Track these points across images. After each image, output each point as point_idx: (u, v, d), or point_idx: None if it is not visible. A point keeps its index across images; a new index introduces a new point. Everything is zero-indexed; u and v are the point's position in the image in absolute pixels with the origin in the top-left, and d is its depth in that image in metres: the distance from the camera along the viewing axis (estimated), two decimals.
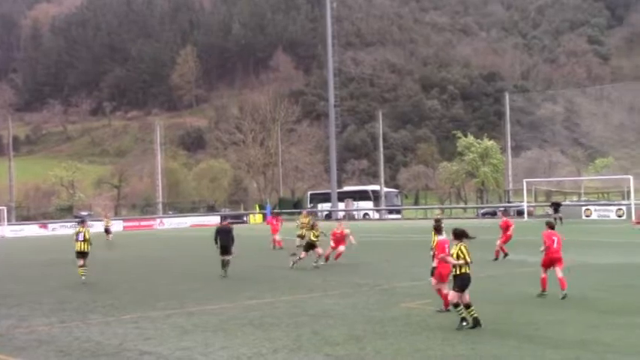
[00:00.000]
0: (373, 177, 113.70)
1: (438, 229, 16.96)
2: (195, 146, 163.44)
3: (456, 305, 14.10)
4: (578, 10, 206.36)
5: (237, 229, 36.37)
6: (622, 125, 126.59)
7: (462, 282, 14.08)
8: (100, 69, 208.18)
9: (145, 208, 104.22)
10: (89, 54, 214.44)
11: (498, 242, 28.09)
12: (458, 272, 14.14)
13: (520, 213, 68.46)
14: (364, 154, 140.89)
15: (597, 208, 66.52)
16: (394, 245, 40.09)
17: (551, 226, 18.67)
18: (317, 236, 27.00)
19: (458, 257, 14.14)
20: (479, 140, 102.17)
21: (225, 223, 26.16)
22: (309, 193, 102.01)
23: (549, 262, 18.11)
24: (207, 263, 29.01)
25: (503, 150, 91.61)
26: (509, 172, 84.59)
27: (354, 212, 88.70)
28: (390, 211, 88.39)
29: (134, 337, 14.26)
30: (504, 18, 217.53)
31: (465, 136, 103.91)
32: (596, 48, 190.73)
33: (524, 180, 70.83)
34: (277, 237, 38.43)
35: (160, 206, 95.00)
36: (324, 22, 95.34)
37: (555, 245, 18.06)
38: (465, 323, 13.97)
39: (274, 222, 40.24)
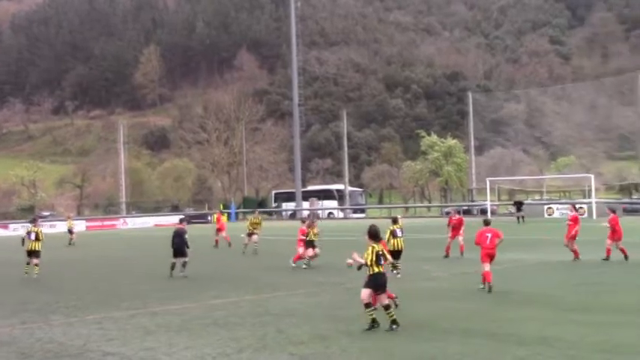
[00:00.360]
0: (337, 176, 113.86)
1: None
2: (159, 145, 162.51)
3: (367, 306, 13.81)
4: (540, 10, 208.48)
5: (200, 229, 36.24)
6: (583, 124, 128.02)
7: (375, 282, 13.82)
8: (62, 67, 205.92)
9: (108, 207, 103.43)
10: (51, 52, 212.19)
11: (449, 240, 29.08)
12: (371, 272, 13.87)
13: (483, 212, 68.95)
14: (328, 153, 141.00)
15: (559, 206, 67.21)
16: (359, 244, 40.08)
17: (486, 223, 19.59)
18: (316, 234, 26.65)
19: (378, 257, 13.84)
20: (442, 139, 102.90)
21: (179, 225, 25.84)
22: (273, 192, 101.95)
23: (487, 257, 18.73)
24: (169, 264, 28.81)
25: (467, 149, 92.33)
26: (473, 171, 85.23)
27: (319, 211, 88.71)
28: (355, 210, 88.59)
29: (97, 337, 14.12)
30: (467, 18, 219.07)
31: (429, 135, 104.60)
32: (557, 48, 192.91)
33: (487, 179, 71.34)
34: (224, 234, 38.95)
35: (124, 206, 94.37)
36: (288, 22, 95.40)
37: (488, 242, 18.76)
38: (375, 325, 13.70)
39: (222, 219, 41.28)
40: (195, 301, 18.64)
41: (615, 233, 25.71)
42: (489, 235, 18.90)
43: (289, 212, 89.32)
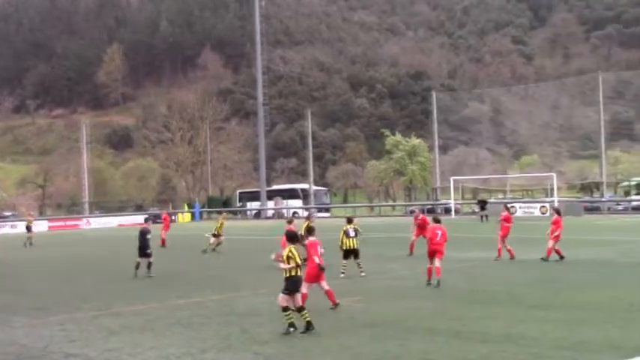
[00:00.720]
0: (302, 175, 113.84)
1: (309, 231, 16.82)
2: (123, 145, 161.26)
3: (285, 309, 13.64)
4: (503, 10, 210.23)
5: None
6: (545, 124, 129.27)
7: (292, 285, 13.73)
8: (22, 66, 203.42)
9: (71, 207, 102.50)
10: (11, 50, 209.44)
11: (414, 239, 29.22)
12: (288, 274, 13.75)
13: (447, 210, 69.33)
14: (293, 153, 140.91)
15: (522, 205, 67.83)
16: (323, 243, 40.15)
17: (436, 220, 20.40)
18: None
19: (289, 259, 13.70)
20: (407, 139, 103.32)
21: (143, 224, 25.78)
22: (237, 191, 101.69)
23: (432, 253, 19.59)
24: (134, 263, 28.63)
25: (431, 148, 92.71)
26: (437, 170, 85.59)
27: (283, 210, 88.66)
28: (319, 210, 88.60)
29: (60, 339, 13.97)
30: (431, 18, 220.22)
31: (393, 134, 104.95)
32: (520, 48, 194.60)
33: (452, 178, 71.74)
34: (164, 235, 38.97)
35: (87, 206, 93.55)
36: (252, 21, 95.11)
37: (439, 238, 19.56)
38: (292, 329, 13.54)
39: (168, 220, 41.63)
40: (160, 302, 18.52)
41: (555, 233, 25.62)
42: (439, 232, 19.70)
43: (254, 212, 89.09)
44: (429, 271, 19.77)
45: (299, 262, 13.79)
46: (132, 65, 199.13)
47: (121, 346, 13.00)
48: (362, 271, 22.18)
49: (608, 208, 69.54)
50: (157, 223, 79.69)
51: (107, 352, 12.64)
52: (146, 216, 30.27)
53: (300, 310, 13.71)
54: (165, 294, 19.92)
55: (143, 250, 24.63)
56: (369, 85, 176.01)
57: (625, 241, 33.99)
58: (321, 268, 16.16)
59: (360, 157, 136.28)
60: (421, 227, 28.85)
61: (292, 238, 14.24)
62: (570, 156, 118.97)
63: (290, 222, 24.05)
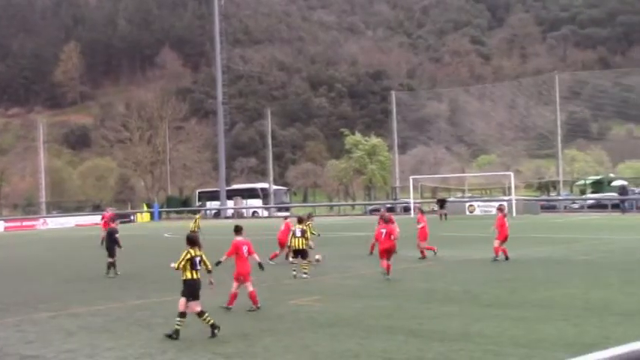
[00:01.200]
0: (262, 175, 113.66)
1: (237, 231, 16.93)
2: (80, 144, 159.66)
3: (182, 315, 13.31)
4: (461, 11, 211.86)
5: (123, 229, 35.80)
6: (503, 123, 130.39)
7: (189, 288, 13.41)
8: None
9: (28, 207, 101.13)
10: None
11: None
12: (184, 277, 13.43)
13: (407, 209, 69.65)
14: (253, 152, 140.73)
15: (480, 204, 68.39)
16: (269, 244, 40.17)
17: (384, 219, 21.33)
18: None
19: (193, 263, 13.35)
20: (366, 138, 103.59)
21: (111, 225, 25.88)
22: (197, 191, 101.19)
23: (384, 253, 20.64)
24: (92, 263, 28.41)
25: (390, 147, 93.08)
26: (396, 169, 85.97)
27: (243, 210, 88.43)
28: (279, 209, 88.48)
29: (16, 340, 13.81)
30: (390, 17, 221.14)
31: (353, 134, 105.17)
32: (478, 48, 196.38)
33: (411, 177, 72.06)
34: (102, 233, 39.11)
35: (44, 206, 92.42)
36: (211, 20, 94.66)
37: (383, 237, 20.72)
38: (175, 336, 13.13)
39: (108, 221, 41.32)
40: (118, 302, 18.40)
41: (500, 234, 25.63)
42: (384, 231, 20.73)
43: (213, 211, 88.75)
44: (387, 267, 20.77)
45: (209, 267, 13.84)
46: (90, 64, 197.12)
47: (78, 347, 12.89)
48: (305, 273, 21.99)
49: (565, 207, 70.38)
50: (124, 222, 79.28)
51: (64, 353, 12.52)
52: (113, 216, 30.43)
53: (200, 315, 13.37)
54: (123, 295, 19.78)
55: (108, 250, 24.80)
56: (329, 85, 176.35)
57: (581, 239, 34.45)
58: (260, 267, 16.49)
59: (320, 156, 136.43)
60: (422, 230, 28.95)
61: (191, 241, 13.76)
62: (527, 155, 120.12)
63: (301, 221, 23.36)
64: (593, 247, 29.52)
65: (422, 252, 26.96)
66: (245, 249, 16.31)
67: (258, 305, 16.38)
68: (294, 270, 22.14)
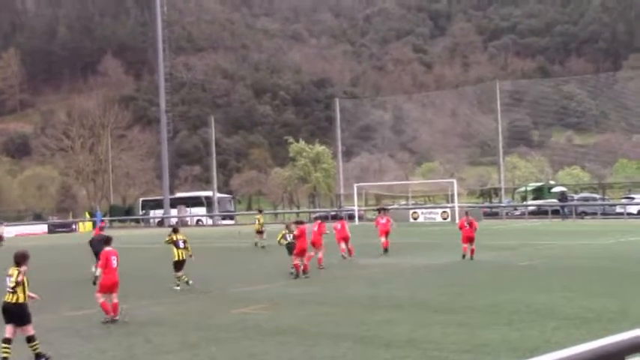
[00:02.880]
0: (206, 183, 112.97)
1: (106, 242, 16.96)
2: (21, 153, 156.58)
3: (7, 341, 12.35)
4: (404, 19, 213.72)
5: (65, 238, 35.20)
6: (446, 131, 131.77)
7: (2, 312, 12.56)
8: None
9: None
10: None
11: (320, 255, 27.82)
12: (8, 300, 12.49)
13: (352, 217, 69.85)
14: (197, 160, 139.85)
15: (424, 211, 68.94)
16: (227, 251, 40.00)
17: (299, 223, 23.92)
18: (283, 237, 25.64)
19: (17, 285, 12.44)
20: (310, 146, 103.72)
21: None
22: (140, 199, 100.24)
23: (300, 253, 23.26)
24: (30, 274, 27.85)
25: (334, 155, 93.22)
26: (341, 177, 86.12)
27: (187, 218, 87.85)
28: (224, 217, 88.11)
29: None
30: (334, 25, 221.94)
31: (297, 141, 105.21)
32: (420, 56, 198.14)
33: (355, 184, 72.23)
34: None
35: None
36: (154, 27, 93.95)
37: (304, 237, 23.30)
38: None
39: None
40: (55, 313, 18.01)
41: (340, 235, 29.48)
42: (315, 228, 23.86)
43: (157, 220, 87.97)
44: (297, 267, 23.40)
45: (27, 291, 12.66)
46: (30, 71, 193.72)
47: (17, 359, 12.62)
48: (178, 285, 21.64)
49: (507, 214, 71.30)
50: (56, 232, 77.89)
51: None
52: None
53: (29, 340, 12.47)
54: (61, 305, 19.39)
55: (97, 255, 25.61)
56: (273, 92, 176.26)
57: (521, 244, 34.92)
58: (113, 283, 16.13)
59: (264, 164, 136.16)
60: (340, 231, 29.63)
61: (20, 259, 12.91)
62: (470, 162, 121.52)
63: (300, 222, 24.80)
64: (535, 253, 29.94)
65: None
66: (114, 260, 16.10)
67: (117, 317, 16.09)
68: (178, 285, 21.72)
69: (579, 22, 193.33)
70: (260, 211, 47.21)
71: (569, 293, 18.01)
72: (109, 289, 16.02)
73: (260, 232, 39.43)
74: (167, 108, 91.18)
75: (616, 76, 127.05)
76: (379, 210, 60.73)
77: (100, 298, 16.00)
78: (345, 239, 29.34)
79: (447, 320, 14.81)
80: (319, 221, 27.70)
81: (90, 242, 25.48)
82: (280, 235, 25.48)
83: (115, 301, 16.12)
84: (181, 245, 21.91)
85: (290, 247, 24.67)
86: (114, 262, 16.05)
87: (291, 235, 24.67)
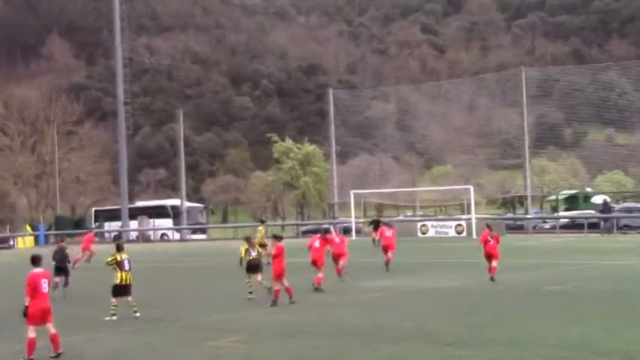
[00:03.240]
0: (172, 189, 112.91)
1: (34, 262, 16.59)
2: None
3: None
4: None
5: (1, 256, 35.20)
6: (461, 128, 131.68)
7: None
8: None
9: None
10: None
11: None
12: None
13: (347, 231, 69.79)
14: (162, 162, 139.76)
15: (434, 223, 68.92)
16: (199, 271, 39.96)
17: (277, 238, 24.05)
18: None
19: None
20: (299, 145, 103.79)
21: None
22: (93, 209, 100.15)
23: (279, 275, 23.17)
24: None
25: (327, 156, 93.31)
26: (335, 183, 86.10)
27: (150, 232, 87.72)
28: (194, 231, 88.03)
29: None
30: (326, 1, 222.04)
31: (283, 140, 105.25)
32: (430, 38, 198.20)
33: (352, 192, 72.21)
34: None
35: None
36: (110, 2, 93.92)
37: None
38: None
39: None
40: None
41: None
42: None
43: (113, 233, 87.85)
44: (277, 293, 23.10)
45: None
46: None
47: None
48: (136, 311, 21.77)
49: (534, 227, 71.29)
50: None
51: None
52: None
53: None
54: (1, 336, 19.37)
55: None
56: (253, 81, 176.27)
57: (551, 264, 34.99)
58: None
59: (243, 167, 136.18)
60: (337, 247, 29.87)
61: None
62: (490, 166, 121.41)
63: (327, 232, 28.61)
64: (569, 275, 29.98)
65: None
66: (44, 284, 15.92)
67: (61, 350, 16.12)
68: (114, 313, 21.75)
69: None
70: (262, 222, 48.35)
71: (608, 323, 18.05)
72: (40, 319, 15.84)
73: (263, 246, 39.61)
74: (126, 99, 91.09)
75: None
76: (372, 223, 60.98)
77: (32, 332, 15.84)
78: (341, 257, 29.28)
79: (462, 355, 14.83)
80: (319, 235, 28.41)
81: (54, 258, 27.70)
82: (244, 251, 26.06)
83: (53, 331, 15.96)
84: (127, 267, 21.86)
85: (252, 266, 25.48)
86: (44, 287, 15.93)
87: (256, 251, 25.87)
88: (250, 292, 25.09)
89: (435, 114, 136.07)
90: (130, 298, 21.90)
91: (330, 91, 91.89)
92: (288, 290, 23.35)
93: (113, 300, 21.81)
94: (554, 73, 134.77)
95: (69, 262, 28.71)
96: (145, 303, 25.51)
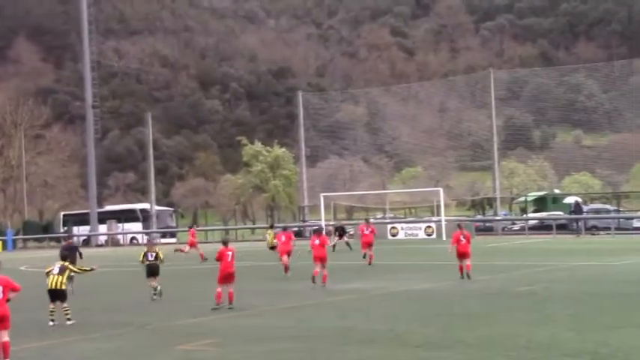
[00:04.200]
0: (142, 193, 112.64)
1: None
2: None
3: None
4: None
5: None
6: (431, 130, 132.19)
7: None
8: None
9: None
10: None
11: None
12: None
13: (318, 232, 69.70)
14: (131, 166, 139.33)
15: (404, 225, 69.05)
16: (169, 275, 39.76)
17: (224, 243, 24.09)
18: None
19: None
20: (268, 148, 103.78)
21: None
22: (61, 214, 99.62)
23: (223, 279, 23.06)
24: None
25: (297, 159, 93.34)
26: (304, 186, 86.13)
27: (119, 236, 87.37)
28: (164, 234, 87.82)
29: None
30: (296, 4, 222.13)
31: (252, 143, 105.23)
32: (400, 40, 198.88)
33: (322, 194, 72.18)
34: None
35: None
36: (78, 5, 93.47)
37: (229, 259, 23.08)
38: None
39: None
40: None
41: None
42: (230, 253, 23.21)
43: (82, 238, 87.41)
44: (219, 295, 22.90)
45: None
46: None
47: None
48: (69, 319, 21.49)
49: (503, 228, 71.69)
50: None
51: None
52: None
53: None
54: None
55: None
56: (223, 84, 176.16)
57: (520, 265, 35.14)
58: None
59: (213, 170, 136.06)
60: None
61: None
62: (459, 167, 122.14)
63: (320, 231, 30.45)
64: (537, 276, 30.11)
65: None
66: None
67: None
68: (52, 319, 21.44)
69: None
70: (272, 227, 50.35)
71: (577, 325, 18.14)
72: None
73: (273, 249, 41.66)
74: (94, 103, 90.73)
75: (633, 64, 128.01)
76: (336, 229, 60.88)
77: None
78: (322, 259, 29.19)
79: (431, 358, 14.86)
80: (317, 234, 30.43)
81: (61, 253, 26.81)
82: (142, 255, 27.33)
83: (5, 339, 15.63)
84: (55, 271, 21.59)
85: (150, 269, 26.84)
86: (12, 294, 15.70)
87: (154, 255, 26.87)
88: (155, 294, 26.66)
89: (404, 116, 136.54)
90: (65, 304, 21.55)
91: (300, 94, 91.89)
92: (229, 295, 23.17)
93: (51, 305, 21.57)
94: (523, 75, 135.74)
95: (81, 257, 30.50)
96: (115, 307, 25.48)
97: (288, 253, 34.60)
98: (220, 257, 23.22)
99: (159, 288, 26.91)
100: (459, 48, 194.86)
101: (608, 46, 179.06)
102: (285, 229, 41.49)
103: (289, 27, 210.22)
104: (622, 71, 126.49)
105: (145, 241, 28.23)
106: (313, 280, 28.28)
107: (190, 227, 57.67)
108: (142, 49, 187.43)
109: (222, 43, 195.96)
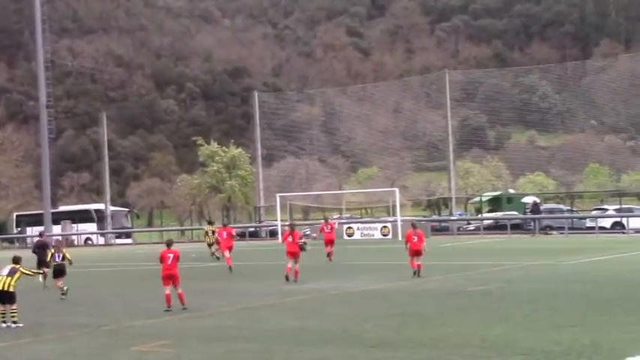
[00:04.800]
0: (97, 194, 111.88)
1: None
2: None
3: None
4: None
5: None
6: (387, 130, 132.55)
7: None
8: None
9: None
10: None
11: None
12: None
13: (273, 234, 69.68)
14: (85, 166, 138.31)
15: (360, 226, 69.15)
16: (124, 276, 39.60)
17: (168, 244, 23.82)
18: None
19: None
20: (224, 148, 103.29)
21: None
22: (14, 214, 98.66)
23: (168, 279, 22.95)
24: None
25: (253, 159, 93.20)
26: (261, 186, 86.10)
27: (74, 237, 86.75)
28: (119, 235, 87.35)
29: None
30: (252, 3, 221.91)
31: (208, 143, 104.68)
32: (355, 41, 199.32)
33: (278, 195, 72.19)
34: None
35: None
36: (31, 3, 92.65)
37: (170, 262, 22.93)
38: None
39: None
40: None
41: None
42: (171, 255, 23.03)
43: (36, 239, 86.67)
44: (167, 298, 22.82)
45: None
46: None
47: None
48: (15, 321, 21.13)
49: (458, 228, 72.09)
50: None
51: None
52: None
53: None
54: None
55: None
56: (178, 84, 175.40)
57: (475, 265, 35.35)
58: None
59: (168, 170, 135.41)
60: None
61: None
62: (415, 168, 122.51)
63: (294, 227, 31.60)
64: (492, 276, 30.31)
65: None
66: None
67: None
68: (4, 320, 21.28)
69: (542, 0, 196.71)
70: (210, 222, 53.22)
71: (531, 323, 18.30)
72: None
73: (211, 245, 44.00)
74: (48, 102, 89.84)
75: (585, 65, 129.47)
76: (290, 226, 61.03)
77: None
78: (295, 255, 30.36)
79: (386, 357, 14.92)
80: (289, 230, 31.57)
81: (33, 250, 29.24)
82: (49, 256, 28.73)
83: None
84: (4, 272, 21.40)
85: (57, 270, 27.81)
86: None
87: (61, 256, 28.02)
88: (63, 294, 27.27)
89: (360, 117, 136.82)
90: (14, 307, 21.19)
91: (256, 94, 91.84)
92: (180, 296, 23.03)
93: (0, 308, 21.35)
94: (478, 76, 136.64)
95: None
96: (69, 308, 25.26)
97: (230, 249, 36.43)
98: (162, 259, 23.09)
99: (65, 288, 27.44)
100: (415, 48, 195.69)
101: (561, 47, 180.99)
102: (225, 225, 43.25)
103: (245, 27, 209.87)
104: (575, 72, 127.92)
105: (54, 242, 28.61)
106: (287, 278, 29.41)
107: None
108: (97, 49, 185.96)
109: (178, 43, 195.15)
